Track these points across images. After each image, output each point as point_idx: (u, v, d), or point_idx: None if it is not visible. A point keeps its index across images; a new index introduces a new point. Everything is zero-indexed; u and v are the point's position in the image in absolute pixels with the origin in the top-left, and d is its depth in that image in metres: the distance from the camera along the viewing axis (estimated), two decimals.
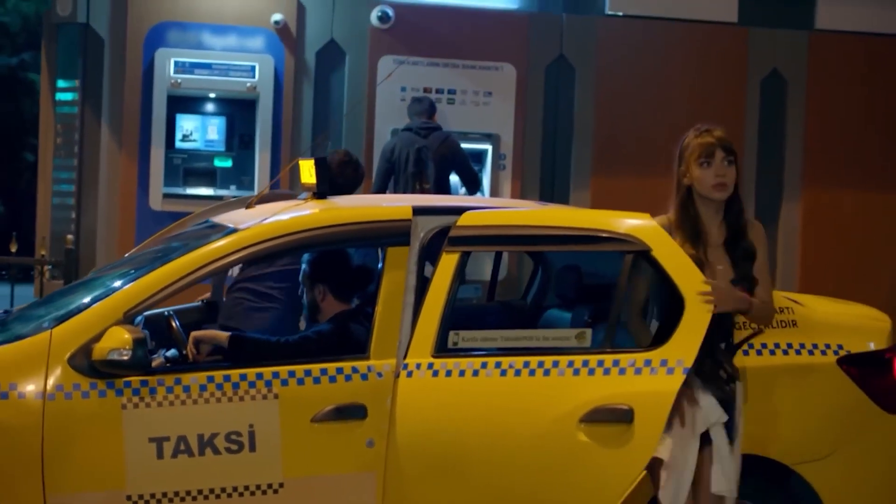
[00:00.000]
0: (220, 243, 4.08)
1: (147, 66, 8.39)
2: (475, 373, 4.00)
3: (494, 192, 8.78)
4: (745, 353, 4.16)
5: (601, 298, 4.54)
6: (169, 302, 4.26)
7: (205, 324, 5.09)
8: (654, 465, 3.94)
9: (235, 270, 5.40)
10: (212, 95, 8.57)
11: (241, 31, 8.54)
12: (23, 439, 3.77)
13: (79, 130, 8.61)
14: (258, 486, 3.89)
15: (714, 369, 3.96)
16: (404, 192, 7.81)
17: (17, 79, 18.09)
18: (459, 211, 4.21)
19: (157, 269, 4.03)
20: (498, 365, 4.01)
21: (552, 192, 9.04)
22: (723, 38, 9.21)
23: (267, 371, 3.93)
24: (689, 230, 4.08)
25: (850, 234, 9.32)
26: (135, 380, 3.84)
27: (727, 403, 3.95)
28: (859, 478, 4.31)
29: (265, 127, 8.53)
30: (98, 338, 3.82)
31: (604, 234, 4.19)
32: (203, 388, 3.88)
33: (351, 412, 3.94)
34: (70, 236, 8.32)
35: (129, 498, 3.81)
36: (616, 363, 4.01)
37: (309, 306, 4.63)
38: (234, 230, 4.17)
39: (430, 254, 4.19)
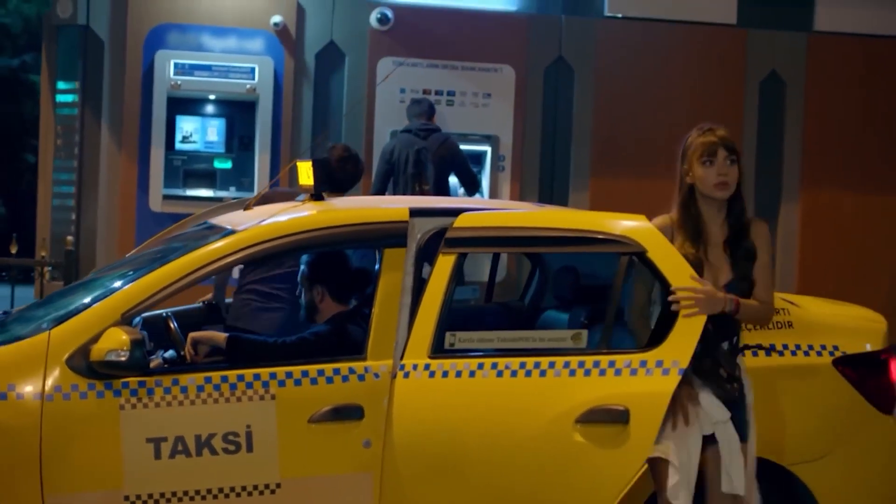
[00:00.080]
0: (218, 245, 4.10)
1: (147, 68, 8.41)
2: (472, 374, 4.01)
3: (493, 193, 8.80)
4: (741, 353, 4.17)
5: (598, 299, 4.55)
6: (168, 303, 4.28)
7: (204, 325, 5.10)
8: (660, 466, 3.95)
9: (236, 272, 5.43)
10: (211, 97, 8.59)
11: (241, 32, 8.56)
12: (21, 440, 3.78)
13: (79, 132, 8.63)
14: (255, 487, 3.90)
15: (713, 368, 3.97)
16: (404, 194, 7.82)
17: (18, 80, 18.12)
18: (456, 212, 4.22)
19: (155, 270, 4.04)
20: (494, 366, 4.02)
21: (551, 193, 9.06)
22: (722, 39, 9.23)
23: (264, 372, 3.94)
24: (690, 229, 4.09)
25: (849, 235, 9.34)
26: (132, 380, 3.85)
27: (732, 402, 3.96)
28: (855, 478, 4.32)
29: (265, 128, 8.55)
30: (96, 339, 3.84)
31: (599, 236, 4.19)
32: (200, 388, 3.89)
33: (348, 413, 3.95)
34: (70, 237, 8.35)
35: (126, 498, 3.83)
36: (612, 364, 4.02)
37: (307, 307, 4.65)
38: (232, 232, 4.18)
39: (428, 255, 4.21)
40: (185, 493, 3.86)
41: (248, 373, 3.94)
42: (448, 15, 8.91)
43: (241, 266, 5.31)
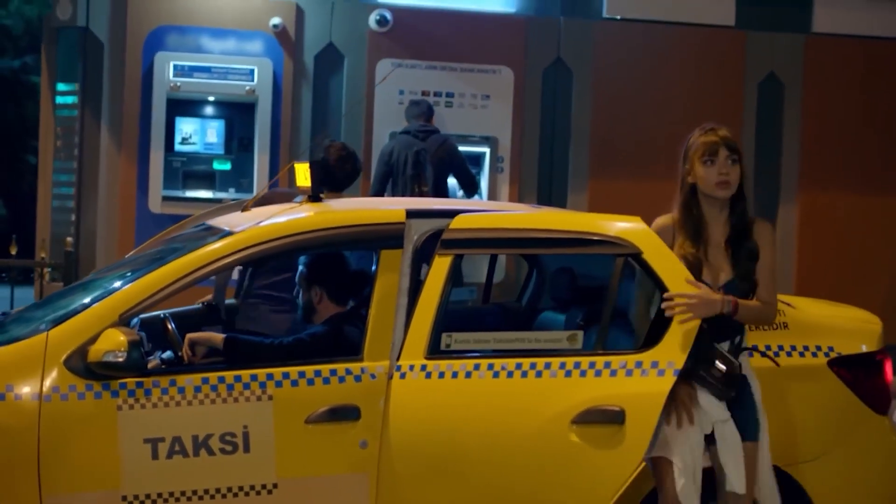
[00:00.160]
0: (215, 246, 4.11)
1: (146, 70, 8.42)
2: (468, 374, 4.02)
3: (492, 194, 8.81)
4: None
5: (595, 300, 4.57)
6: (167, 304, 4.30)
7: (203, 326, 5.12)
8: (662, 466, 3.97)
9: (236, 273, 5.45)
10: (211, 99, 8.61)
11: (240, 34, 8.57)
12: (19, 440, 3.80)
13: (78, 133, 8.65)
14: (252, 487, 3.91)
15: (705, 369, 3.98)
16: (402, 195, 7.83)
17: (19, 81, 18.15)
18: (453, 214, 4.23)
19: (153, 271, 4.06)
20: (490, 367, 4.03)
21: (550, 194, 9.07)
22: (720, 41, 9.24)
23: (261, 372, 3.96)
24: (690, 230, 4.10)
25: (847, 236, 9.35)
26: (130, 381, 3.87)
27: (733, 402, 3.97)
28: (850, 479, 4.33)
29: (264, 130, 8.57)
30: (94, 340, 3.85)
31: (594, 237, 4.21)
32: (198, 389, 3.91)
33: (344, 413, 3.96)
34: (69, 238, 8.37)
35: (124, 498, 3.84)
36: (608, 365, 4.03)
37: (304, 307, 4.66)
38: (230, 233, 4.20)
39: (425, 256, 4.22)
40: (183, 493, 3.87)
41: (246, 373, 3.95)
42: (447, 16, 8.92)
43: (250, 270, 5.36)
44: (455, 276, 4.16)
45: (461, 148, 8.33)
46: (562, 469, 3.98)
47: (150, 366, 4.11)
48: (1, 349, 3.94)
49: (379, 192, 8.04)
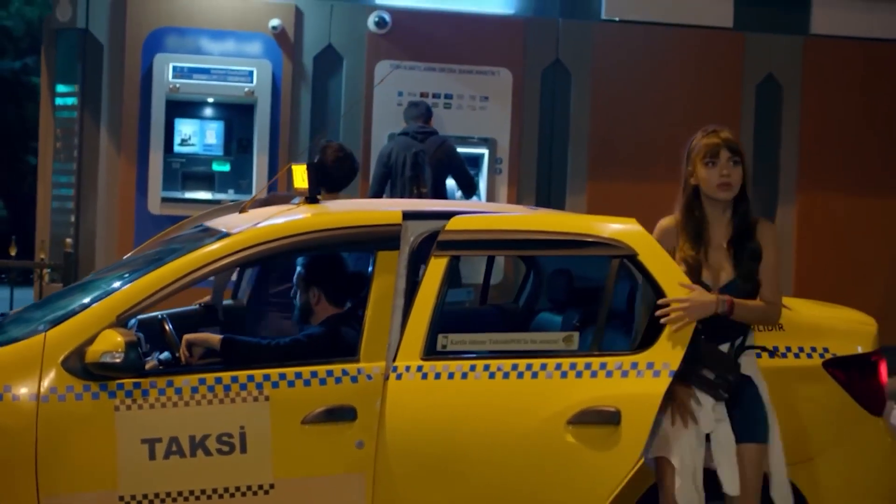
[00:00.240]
0: (213, 247, 4.13)
1: (146, 71, 8.43)
2: (464, 375, 4.04)
3: (491, 196, 8.82)
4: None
5: (592, 302, 4.58)
6: (164, 305, 4.32)
7: (200, 327, 5.13)
8: (664, 466, 4.00)
9: (236, 275, 5.47)
10: (210, 100, 8.61)
11: (240, 36, 8.58)
12: (17, 441, 3.82)
13: (78, 135, 8.66)
14: (249, 487, 3.93)
15: (698, 371, 3.98)
16: (401, 196, 7.84)
17: (20, 82, 18.18)
18: (449, 216, 4.25)
19: (150, 272, 4.08)
20: (486, 368, 4.04)
21: (548, 196, 9.08)
22: (718, 43, 9.25)
23: (258, 373, 3.98)
24: (691, 232, 4.11)
25: (845, 237, 9.36)
26: (127, 382, 3.89)
27: (733, 403, 3.97)
28: (845, 480, 4.34)
29: (263, 131, 8.58)
30: (91, 341, 3.88)
31: (590, 239, 4.22)
32: (195, 390, 3.93)
33: (341, 414, 3.98)
34: (69, 240, 8.38)
35: (121, 498, 3.86)
36: (603, 366, 4.05)
37: (301, 308, 4.68)
38: (227, 234, 4.22)
39: (421, 258, 4.23)
40: (180, 493, 3.89)
41: (242, 374, 3.97)
42: (445, 18, 8.93)
43: (257, 274, 5.38)
44: (451, 278, 4.18)
45: (460, 149, 8.33)
46: (558, 469, 4.00)
47: (147, 366, 4.12)
48: None
49: (377, 194, 8.05)
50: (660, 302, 4.00)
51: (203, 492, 3.90)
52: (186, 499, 3.90)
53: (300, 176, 4.50)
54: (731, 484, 3.95)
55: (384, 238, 4.20)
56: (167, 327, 4.56)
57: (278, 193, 5.78)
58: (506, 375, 4.04)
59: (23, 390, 3.84)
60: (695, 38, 9.21)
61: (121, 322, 3.98)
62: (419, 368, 4.04)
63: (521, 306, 5.55)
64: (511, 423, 4.00)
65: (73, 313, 4.01)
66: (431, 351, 4.07)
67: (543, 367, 4.05)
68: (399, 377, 4.03)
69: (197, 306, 5.44)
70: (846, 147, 9.40)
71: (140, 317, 4.48)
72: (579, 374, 4.04)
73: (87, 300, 4.10)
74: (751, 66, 9.33)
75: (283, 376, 3.98)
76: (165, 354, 4.50)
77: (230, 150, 8.65)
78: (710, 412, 3.97)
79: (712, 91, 9.17)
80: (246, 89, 8.52)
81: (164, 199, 8.43)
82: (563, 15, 9.26)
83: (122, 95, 8.48)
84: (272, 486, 3.94)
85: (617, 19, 9.20)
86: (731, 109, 9.13)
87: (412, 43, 8.79)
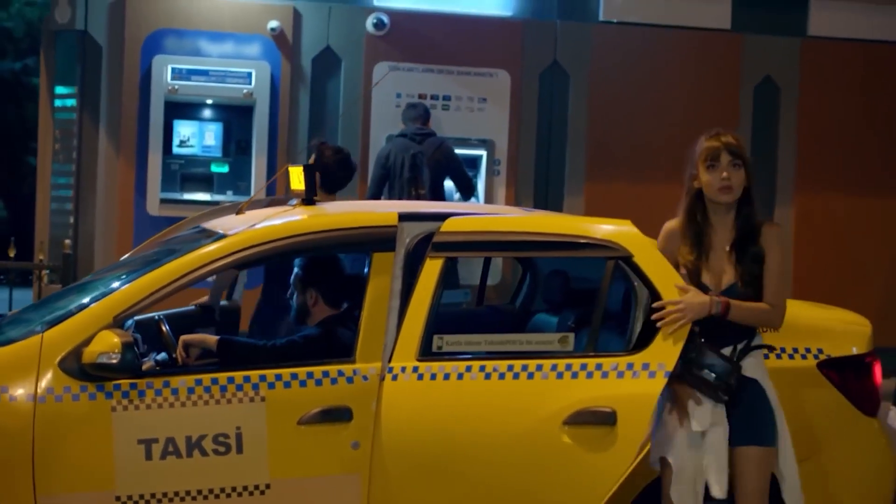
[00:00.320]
0: (209, 248, 4.15)
1: (144, 73, 8.45)
2: (459, 376, 4.05)
3: (489, 197, 8.84)
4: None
5: (588, 303, 4.60)
6: (161, 306, 4.34)
7: (197, 328, 5.15)
8: (667, 467, 4.01)
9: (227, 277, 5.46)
10: (209, 101, 8.63)
11: (238, 38, 8.60)
12: (14, 441, 3.83)
13: (77, 136, 8.67)
14: (245, 488, 3.95)
15: (697, 373, 4.00)
16: (399, 198, 7.85)
17: (20, 83, 18.19)
18: (445, 217, 4.26)
19: (147, 274, 4.10)
20: (482, 368, 4.06)
21: (546, 197, 9.09)
22: (716, 44, 9.26)
23: (254, 374, 3.99)
24: (691, 235, 4.12)
25: (843, 238, 9.37)
26: (124, 382, 3.91)
27: (736, 406, 3.98)
28: (840, 480, 4.36)
29: (262, 133, 8.59)
30: (88, 341, 3.89)
31: (586, 241, 4.24)
32: (191, 390, 3.94)
33: (336, 415, 4.00)
34: (68, 241, 8.39)
35: (118, 498, 3.88)
36: (599, 367, 4.07)
37: (298, 309, 4.69)
38: (223, 236, 4.23)
39: (417, 259, 4.24)
40: (176, 493, 3.91)
41: (239, 375, 3.99)
42: (444, 20, 8.95)
43: (265, 276, 5.39)
44: (446, 279, 4.19)
45: (458, 151, 8.34)
46: (554, 470, 4.01)
47: (144, 367, 4.13)
48: None
49: (376, 195, 8.06)
50: (655, 305, 4.02)
51: (199, 492, 3.92)
52: (183, 499, 3.91)
53: (297, 177, 4.52)
54: (717, 486, 3.96)
55: (380, 239, 4.21)
56: (164, 328, 4.58)
57: (278, 197, 5.79)
58: (501, 376, 4.05)
59: (20, 391, 3.86)
60: (693, 40, 9.22)
61: (118, 323, 3.99)
62: (415, 369, 4.05)
63: (518, 307, 5.57)
64: (507, 424, 4.02)
65: (70, 314, 4.03)
66: (427, 352, 4.09)
67: (539, 367, 4.06)
68: (395, 378, 4.05)
69: (193, 307, 5.46)
70: (844, 148, 9.41)
71: (137, 318, 4.50)
72: (575, 375, 4.05)
73: (84, 301, 4.12)
74: (749, 68, 9.34)
75: (279, 377, 4.00)
76: (162, 355, 4.52)
77: (229, 152, 8.67)
78: (707, 413, 3.98)
79: (710, 93, 9.19)
80: (244, 91, 8.53)
81: (163, 201, 8.44)
82: (561, 17, 9.27)
83: (120, 97, 8.49)
84: (268, 487, 3.96)
85: (615, 21, 9.21)
86: (729, 111, 9.15)
87: (410, 45, 8.80)
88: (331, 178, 5.83)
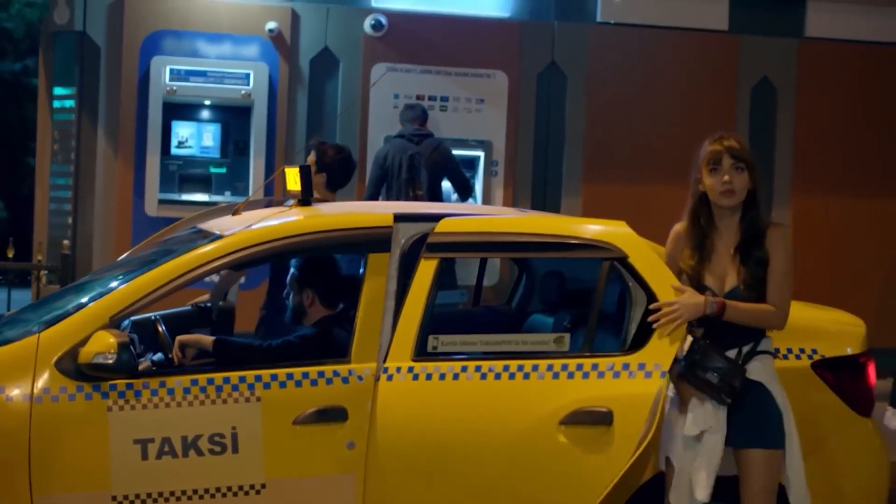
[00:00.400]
0: (205, 249, 4.16)
1: (143, 74, 8.46)
2: (455, 376, 4.07)
3: (486, 198, 8.85)
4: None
5: (584, 303, 4.61)
6: (158, 306, 4.35)
7: (193, 328, 5.16)
8: (668, 466, 4.04)
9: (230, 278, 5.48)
10: (207, 102, 8.63)
11: (236, 39, 8.61)
12: (10, 441, 3.85)
13: (75, 137, 8.68)
14: (240, 487, 3.96)
15: (700, 375, 3.99)
16: (397, 199, 7.86)
17: (20, 84, 18.20)
18: (441, 218, 4.27)
19: (143, 274, 4.11)
20: (478, 369, 4.07)
21: (544, 198, 9.10)
22: (713, 45, 9.27)
23: (250, 374, 4.01)
24: (694, 239, 4.13)
25: (840, 239, 9.38)
26: (120, 383, 3.92)
27: (738, 409, 3.98)
28: (834, 480, 4.36)
29: (260, 134, 8.60)
30: (84, 342, 3.91)
31: (581, 241, 4.26)
32: (187, 390, 3.96)
33: (332, 415, 4.01)
34: (66, 241, 8.39)
35: (114, 498, 3.89)
36: (595, 367, 4.08)
37: (294, 309, 4.71)
38: (220, 236, 4.25)
39: (413, 260, 4.25)
40: (172, 493, 3.92)
41: (234, 375, 4.00)
42: (441, 21, 8.95)
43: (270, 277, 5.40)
44: (441, 279, 4.21)
45: (455, 152, 8.35)
46: (550, 469, 4.03)
47: (141, 367, 4.16)
48: None
49: (373, 196, 8.07)
50: (652, 307, 4.03)
51: (195, 492, 3.93)
52: (178, 499, 3.93)
53: (293, 178, 4.53)
54: (701, 489, 3.96)
55: (375, 240, 4.23)
56: (160, 328, 4.59)
57: (278, 199, 5.81)
58: (497, 376, 4.07)
59: (16, 391, 3.87)
60: (690, 41, 9.23)
61: (114, 323, 4.01)
62: (410, 369, 4.07)
63: (514, 308, 5.58)
64: (503, 424, 4.03)
65: (67, 314, 4.04)
66: (422, 352, 4.10)
67: (535, 367, 4.08)
68: (390, 378, 4.06)
69: (190, 307, 5.47)
70: (841, 149, 9.42)
71: (134, 318, 4.51)
72: (571, 375, 4.07)
73: (80, 301, 4.13)
74: (746, 69, 9.35)
75: (274, 377, 4.01)
76: (159, 355, 4.54)
77: (227, 153, 8.68)
78: (706, 416, 3.98)
79: (707, 94, 9.19)
80: (243, 92, 8.54)
81: (161, 201, 8.45)
82: (558, 18, 9.28)
83: (119, 98, 8.50)
84: (263, 487, 3.97)
85: (612, 22, 9.22)
86: (726, 112, 9.16)
87: (408, 46, 8.81)
88: (334, 178, 5.86)
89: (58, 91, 8.86)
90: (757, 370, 4.04)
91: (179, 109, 8.59)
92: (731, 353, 4.02)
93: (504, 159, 8.91)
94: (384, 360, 4.08)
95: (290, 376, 4.02)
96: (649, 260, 4.18)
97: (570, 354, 4.16)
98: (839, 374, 4.41)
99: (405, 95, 8.73)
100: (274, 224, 4.30)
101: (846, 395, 4.40)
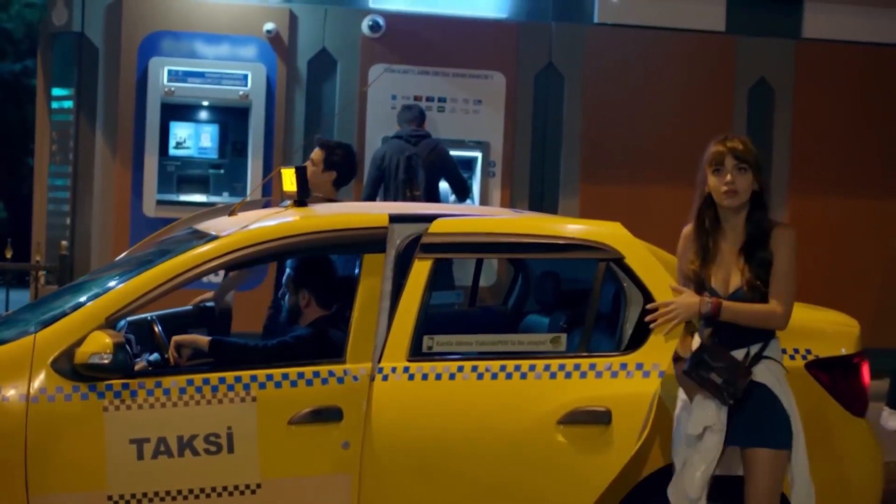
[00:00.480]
0: (201, 250, 4.17)
1: (141, 75, 8.47)
2: (451, 377, 4.08)
3: (484, 199, 8.86)
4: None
5: (580, 304, 4.62)
6: (154, 306, 4.36)
7: (190, 328, 5.17)
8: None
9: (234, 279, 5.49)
10: (205, 103, 8.64)
11: (234, 40, 8.62)
12: (6, 441, 3.86)
13: (74, 138, 8.69)
14: (236, 487, 3.97)
15: (705, 375, 3.99)
16: (395, 199, 7.88)
17: (20, 85, 18.21)
18: (436, 219, 4.29)
19: (139, 275, 4.13)
20: (474, 369, 4.09)
21: (541, 199, 9.11)
22: (711, 46, 9.28)
23: (245, 374, 4.02)
24: (699, 241, 4.13)
25: (837, 240, 9.39)
26: (116, 383, 3.93)
27: (741, 409, 3.99)
28: (828, 481, 4.34)
29: (258, 134, 8.61)
30: (80, 342, 3.92)
31: (577, 242, 4.28)
32: (183, 390, 3.97)
33: (327, 415, 4.03)
34: (64, 242, 8.40)
35: (110, 498, 3.90)
36: (593, 367, 4.10)
37: (290, 310, 4.72)
38: (216, 237, 4.26)
39: (408, 260, 4.26)
40: (168, 493, 3.93)
41: (230, 375, 4.01)
42: (439, 22, 8.96)
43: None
44: (436, 280, 4.22)
45: (453, 152, 8.36)
46: (548, 469, 4.05)
47: (137, 368, 4.17)
48: None
49: (371, 197, 8.08)
50: (648, 307, 4.05)
51: (191, 491, 3.95)
52: (174, 498, 3.94)
53: (289, 179, 4.55)
54: (692, 487, 3.98)
55: (371, 241, 4.24)
56: (156, 329, 4.61)
57: (270, 199, 5.84)
58: (494, 376, 4.08)
59: (12, 391, 3.89)
60: (687, 42, 9.24)
61: (110, 324, 4.02)
62: (405, 370, 4.08)
63: (510, 308, 5.59)
64: (500, 423, 4.05)
65: (63, 315, 4.05)
66: (417, 352, 4.12)
67: (532, 367, 4.10)
68: (385, 378, 4.07)
69: (191, 307, 5.48)
70: (838, 150, 9.43)
71: (130, 318, 4.53)
72: (569, 375, 4.09)
73: (76, 302, 4.15)
74: (743, 70, 9.36)
75: (270, 377, 4.03)
76: (155, 356, 4.55)
77: (225, 153, 8.69)
78: (706, 416, 3.99)
79: (705, 94, 9.21)
80: (240, 93, 8.56)
81: (159, 202, 8.46)
82: (555, 19, 9.29)
83: (117, 98, 8.52)
84: (259, 486, 3.98)
85: (609, 23, 9.23)
86: (723, 113, 9.17)
87: (406, 46, 8.83)
88: (342, 176, 5.90)
89: (56, 92, 8.88)
90: (762, 372, 4.04)
91: (177, 110, 8.60)
92: (740, 354, 4.02)
93: (501, 160, 8.92)
94: (379, 361, 4.10)
95: (285, 376, 4.04)
96: (645, 260, 4.20)
97: (567, 354, 4.17)
98: (833, 374, 4.41)
99: (403, 96, 8.74)
100: (270, 225, 4.32)
101: (840, 396, 4.41)
